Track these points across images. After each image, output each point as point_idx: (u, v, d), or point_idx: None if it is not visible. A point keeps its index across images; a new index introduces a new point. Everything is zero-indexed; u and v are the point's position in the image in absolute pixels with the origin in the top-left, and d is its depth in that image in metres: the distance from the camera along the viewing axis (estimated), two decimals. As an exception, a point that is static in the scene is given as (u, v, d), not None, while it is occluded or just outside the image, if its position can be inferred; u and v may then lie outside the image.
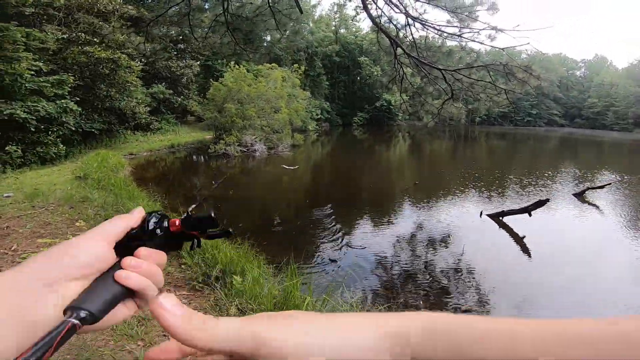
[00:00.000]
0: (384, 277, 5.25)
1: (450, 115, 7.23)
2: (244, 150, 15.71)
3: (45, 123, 9.84)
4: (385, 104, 36.13)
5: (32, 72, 9.68)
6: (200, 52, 25.52)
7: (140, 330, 2.27)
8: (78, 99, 11.52)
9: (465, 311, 4.40)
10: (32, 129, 9.41)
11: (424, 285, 5.13)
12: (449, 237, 6.92)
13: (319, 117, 31.14)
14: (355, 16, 35.33)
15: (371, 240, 6.68)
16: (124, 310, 0.38)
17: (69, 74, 11.03)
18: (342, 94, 38.09)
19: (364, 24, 41.22)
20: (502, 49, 5.99)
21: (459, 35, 6.37)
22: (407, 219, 8.25)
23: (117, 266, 0.38)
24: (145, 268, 0.38)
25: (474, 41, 6.39)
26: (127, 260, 0.38)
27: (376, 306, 3.58)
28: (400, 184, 12.48)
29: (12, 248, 3.62)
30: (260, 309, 2.33)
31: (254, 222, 7.46)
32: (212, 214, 0.41)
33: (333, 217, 7.94)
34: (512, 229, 7.22)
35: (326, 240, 6.59)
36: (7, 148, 8.88)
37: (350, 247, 6.31)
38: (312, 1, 38.05)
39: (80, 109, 11.23)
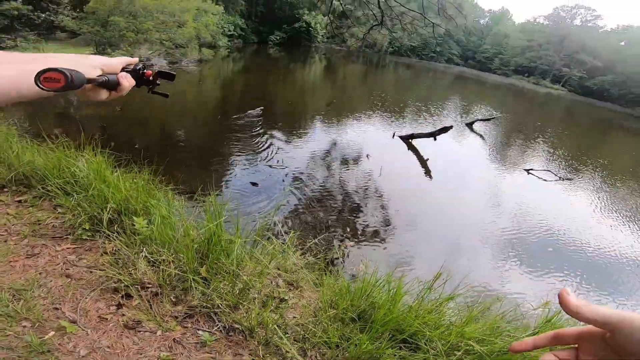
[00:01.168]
0: (304, 199, 5.25)
1: (374, 41, 6.95)
2: (139, 65, 13.04)
3: None
4: (305, 26, 33.59)
5: None
6: None
7: (20, 307, 1.67)
8: None
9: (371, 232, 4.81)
10: None
11: (339, 205, 5.35)
12: (363, 156, 7.27)
13: (231, 33, 27.51)
14: None
15: (290, 159, 6.53)
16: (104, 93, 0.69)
17: None
18: (259, 12, 33.85)
19: None
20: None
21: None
22: (323, 137, 8.35)
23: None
24: (124, 76, 0.71)
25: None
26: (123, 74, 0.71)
27: (303, 240, 3.53)
28: (316, 103, 12.30)
29: None
30: (179, 258, 1.93)
31: (153, 145, 6.42)
32: (173, 72, 0.84)
33: (247, 132, 7.43)
34: (418, 151, 8.02)
35: (241, 160, 6.18)
36: None
37: (270, 166, 6.06)
38: None
39: None
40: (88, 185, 2.34)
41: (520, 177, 8.22)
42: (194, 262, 1.89)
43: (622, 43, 48.07)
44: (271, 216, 3.82)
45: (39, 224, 2.27)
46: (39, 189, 2.54)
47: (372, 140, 8.39)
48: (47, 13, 16.85)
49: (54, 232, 2.23)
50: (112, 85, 0.66)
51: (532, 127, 15.01)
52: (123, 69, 0.72)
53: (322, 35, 36.00)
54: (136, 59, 0.75)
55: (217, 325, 1.76)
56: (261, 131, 7.74)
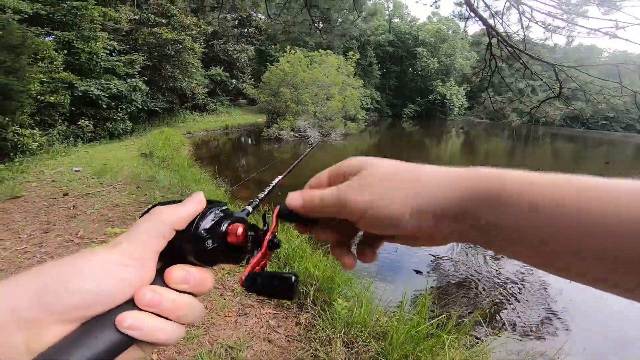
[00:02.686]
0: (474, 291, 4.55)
1: (545, 114, 6.14)
2: (297, 135, 15.53)
3: (116, 100, 10.26)
4: (439, 98, 33.96)
5: (107, 51, 10.06)
6: (256, 37, 25.82)
7: None
8: (146, 78, 11.91)
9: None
10: (104, 106, 9.83)
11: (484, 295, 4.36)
12: None
13: (368, 106, 30.31)
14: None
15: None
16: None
17: (139, 54, 11.38)
18: (393, 84, 36.64)
19: (421, 14, 39.25)
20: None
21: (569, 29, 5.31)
22: None
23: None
24: (166, 307, 0.27)
25: (589, 35, 5.28)
26: (141, 295, 0.27)
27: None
28: None
29: (79, 234, 3.49)
30: (370, 344, 1.82)
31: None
32: (293, 279, 0.31)
33: None
34: None
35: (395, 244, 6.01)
36: (79, 122, 9.36)
37: (431, 255, 5.68)
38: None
39: (147, 88, 11.60)
40: (289, 259, 2.61)
41: None
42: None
43: None
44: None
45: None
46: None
47: None
48: (237, 80, 22.80)
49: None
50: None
51: None
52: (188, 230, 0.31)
53: (458, 107, 35.41)
54: (201, 199, 0.32)
55: None
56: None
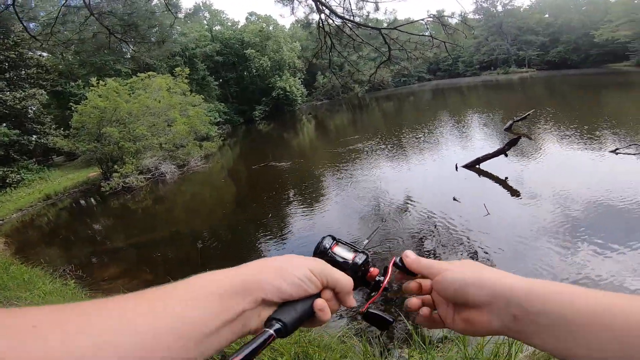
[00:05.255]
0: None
1: (381, 79, 6.89)
2: (149, 177, 13.04)
3: None
4: (282, 92, 35.47)
5: None
6: (42, 77, 20.17)
7: None
8: None
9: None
10: None
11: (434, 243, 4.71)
12: (450, 202, 6.54)
13: (217, 120, 28.87)
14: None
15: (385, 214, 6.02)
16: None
17: None
18: (234, 92, 36.09)
19: (239, 16, 39.47)
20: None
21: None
22: (386, 184, 7.97)
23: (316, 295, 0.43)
24: (335, 307, 0.45)
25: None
26: (326, 295, 0.44)
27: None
28: (337, 162, 11.98)
29: None
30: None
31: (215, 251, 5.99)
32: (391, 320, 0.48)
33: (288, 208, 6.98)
34: (492, 174, 7.38)
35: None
36: None
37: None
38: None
39: None
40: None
41: (612, 159, 7.39)
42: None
43: (546, 15, 50.42)
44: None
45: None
46: None
47: (438, 182, 7.68)
48: (36, 136, 17.51)
49: None
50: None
51: (548, 111, 14.58)
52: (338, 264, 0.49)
53: (300, 96, 37.82)
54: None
55: None
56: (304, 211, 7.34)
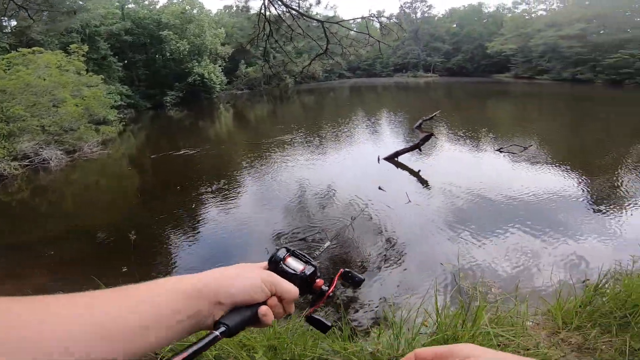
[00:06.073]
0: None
1: (313, 71, 6.92)
2: (27, 163, 10.71)
3: None
4: (199, 78, 32.71)
5: None
6: None
7: None
8: None
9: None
10: None
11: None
12: (376, 191, 6.90)
13: (118, 104, 25.14)
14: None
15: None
16: None
17: None
18: (143, 74, 31.81)
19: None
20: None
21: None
22: (311, 176, 8.09)
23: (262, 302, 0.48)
24: (281, 312, 0.50)
25: None
26: (272, 302, 0.49)
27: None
28: (255, 154, 11.66)
29: None
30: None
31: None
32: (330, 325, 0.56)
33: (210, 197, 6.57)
34: (407, 166, 8.26)
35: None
36: None
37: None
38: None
39: None
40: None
41: (498, 157, 9.00)
42: None
43: (454, 25, 58.71)
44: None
45: None
46: None
47: (363, 173, 8.21)
48: None
49: None
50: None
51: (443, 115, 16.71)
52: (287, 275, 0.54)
53: (219, 84, 35.51)
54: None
55: None
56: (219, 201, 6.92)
